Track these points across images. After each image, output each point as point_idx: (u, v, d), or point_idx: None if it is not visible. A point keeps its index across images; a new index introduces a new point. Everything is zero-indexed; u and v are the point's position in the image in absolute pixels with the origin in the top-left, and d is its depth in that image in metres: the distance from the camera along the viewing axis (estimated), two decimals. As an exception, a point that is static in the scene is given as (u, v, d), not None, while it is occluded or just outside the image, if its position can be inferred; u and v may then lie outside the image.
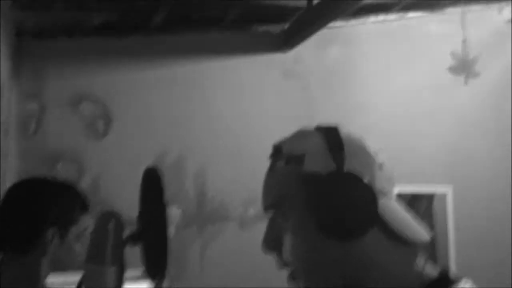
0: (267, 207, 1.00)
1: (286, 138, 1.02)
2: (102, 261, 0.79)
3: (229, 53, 3.31)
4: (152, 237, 0.84)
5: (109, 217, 0.81)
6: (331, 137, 0.97)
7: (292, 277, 0.99)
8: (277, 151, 1.00)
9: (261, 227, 3.10)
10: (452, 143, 3.28)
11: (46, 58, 3.20)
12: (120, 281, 0.80)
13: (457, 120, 3.30)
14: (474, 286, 0.94)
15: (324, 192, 0.92)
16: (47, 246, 1.55)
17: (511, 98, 3.30)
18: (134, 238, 0.84)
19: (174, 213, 3.11)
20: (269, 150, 1.02)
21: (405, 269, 0.96)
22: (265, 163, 1.00)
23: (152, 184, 0.84)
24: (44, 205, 1.57)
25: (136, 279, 1.51)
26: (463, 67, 3.34)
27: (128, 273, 0.84)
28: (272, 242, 0.99)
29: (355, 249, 0.93)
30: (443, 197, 3.21)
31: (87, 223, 1.61)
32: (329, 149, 0.95)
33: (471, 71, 3.33)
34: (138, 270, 1.52)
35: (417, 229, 0.97)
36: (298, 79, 3.18)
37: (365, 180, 0.92)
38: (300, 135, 1.01)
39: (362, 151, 0.98)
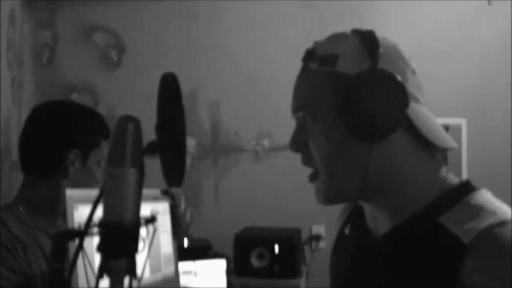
0: (297, 107, 1.01)
1: (321, 40, 1.01)
2: (122, 161, 0.79)
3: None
4: (170, 145, 0.84)
5: (128, 120, 0.81)
6: (367, 38, 0.96)
7: (313, 177, 1.01)
8: (311, 53, 0.99)
9: (275, 160, 3.14)
10: (471, 79, 3.23)
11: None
12: (140, 181, 0.81)
13: (476, 55, 3.23)
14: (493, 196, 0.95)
15: (355, 91, 0.92)
16: (68, 168, 1.58)
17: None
18: (152, 148, 0.84)
19: (189, 143, 3.14)
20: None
21: (429, 174, 0.98)
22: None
23: (169, 90, 0.83)
24: (66, 128, 1.59)
25: (154, 198, 1.54)
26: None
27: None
28: (299, 142, 1.01)
29: (382, 150, 0.94)
30: (458, 128, 3.20)
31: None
32: (364, 49, 0.95)
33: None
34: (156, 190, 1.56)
35: (445, 136, 0.98)
36: (317, 11, 3.12)
37: (399, 80, 0.92)
38: (335, 37, 1.00)
39: (397, 54, 0.98)
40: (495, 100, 3.21)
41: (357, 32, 0.98)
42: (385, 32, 1.00)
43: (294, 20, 3.18)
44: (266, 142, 3.25)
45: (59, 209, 1.59)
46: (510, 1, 3.22)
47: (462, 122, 3.21)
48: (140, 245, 0.82)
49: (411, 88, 0.95)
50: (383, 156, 0.95)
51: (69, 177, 1.60)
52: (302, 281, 2.76)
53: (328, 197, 1.00)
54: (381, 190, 0.97)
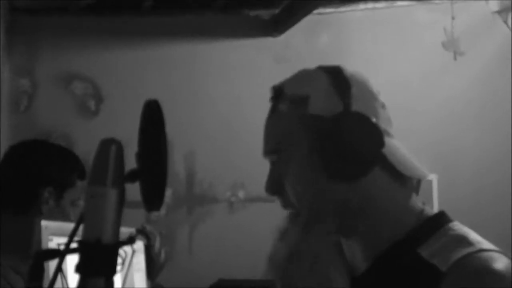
0: (269, 151, 1.01)
1: (288, 78, 1.00)
2: (104, 182, 0.80)
3: (220, 36, 3.34)
4: (151, 171, 0.85)
5: (111, 142, 0.83)
6: (336, 76, 0.97)
7: (293, 217, 1.01)
8: (279, 93, 0.98)
9: (249, 210, 3.15)
10: (439, 135, 3.33)
11: (39, 35, 3.22)
12: (120, 203, 0.82)
13: (444, 111, 3.34)
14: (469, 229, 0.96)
15: (330, 133, 0.93)
16: (42, 206, 1.58)
17: (499, 88, 3.35)
18: (133, 175, 0.85)
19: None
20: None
21: (404, 207, 0.98)
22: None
23: (153, 117, 0.85)
24: (41, 165, 1.61)
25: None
26: (452, 49, 3.38)
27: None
28: (274, 186, 1.00)
29: (358, 187, 0.95)
30: (429, 183, 3.26)
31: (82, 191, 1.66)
32: (335, 89, 0.95)
33: (459, 56, 3.38)
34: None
35: (416, 167, 0.99)
36: (288, 64, 3.21)
37: (373, 120, 0.94)
38: (303, 75, 1.00)
39: (367, 91, 0.99)
40: (464, 155, 3.30)
41: (325, 70, 0.98)
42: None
43: (268, 74, 3.26)
44: (241, 193, 3.26)
45: (32, 248, 1.57)
46: (475, 57, 3.36)
47: (433, 177, 3.28)
48: (118, 266, 0.83)
49: (382, 124, 0.96)
50: (360, 193, 0.96)
51: (42, 216, 1.59)
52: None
53: (307, 233, 1.00)
54: (359, 226, 0.98)
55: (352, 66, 1.00)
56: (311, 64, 1.04)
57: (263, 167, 1.06)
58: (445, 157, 3.29)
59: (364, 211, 0.97)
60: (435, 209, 3.07)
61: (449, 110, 3.34)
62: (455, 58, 3.33)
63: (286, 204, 1.01)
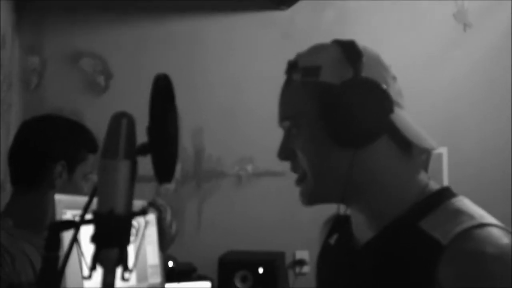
0: (283, 118, 1.05)
1: (303, 52, 1.04)
2: (115, 154, 0.82)
3: (226, 11, 3.34)
4: (162, 145, 0.87)
5: (122, 116, 0.85)
6: (348, 48, 1.00)
7: (300, 180, 1.05)
8: (293, 65, 1.02)
9: (258, 185, 3.18)
10: (448, 110, 3.32)
11: (47, 13, 3.24)
12: (133, 175, 0.85)
13: (453, 87, 3.34)
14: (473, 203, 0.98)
15: (338, 99, 0.95)
16: (55, 180, 1.61)
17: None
18: (144, 149, 0.88)
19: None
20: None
21: (409, 179, 1.01)
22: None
23: (163, 91, 0.86)
24: (53, 139, 1.63)
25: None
26: (462, 21, 3.36)
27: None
28: (286, 151, 1.04)
29: (365, 155, 0.97)
30: (439, 156, 3.28)
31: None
32: (346, 59, 0.98)
33: (468, 28, 3.36)
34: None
35: (426, 138, 1.01)
36: (293, 41, 3.21)
37: (383, 87, 0.96)
38: (317, 49, 1.03)
39: (378, 62, 1.02)
40: (473, 130, 3.31)
41: (338, 43, 1.02)
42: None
43: (273, 49, 3.26)
44: (249, 168, 3.29)
45: (46, 221, 1.61)
46: (485, 31, 3.34)
47: (443, 150, 3.29)
48: (132, 236, 0.86)
49: (393, 94, 0.98)
50: (366, 161, 0.98)
51: (55, 190, 1.62)
52: (285, 304, 2.78)
53: (311, 199, 1.04)
54: (364, 194, 1.01)
55: (358, 41, 1.03)
56: (317, 40, 1.06)
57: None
58: (454, 132, 3.30)
59: (368, 178, 0.99)
60: (445, 181, 3.11)
61: (458, 86, 3.33)
62: (464, 30, 3.31)
63: (296, 169, 1.05)
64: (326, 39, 1.06)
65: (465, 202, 0.97)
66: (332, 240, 1.16)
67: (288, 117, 1.04)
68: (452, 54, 3.36)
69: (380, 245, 0.99)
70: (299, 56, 1.04)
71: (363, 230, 1.04)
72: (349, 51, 0.99)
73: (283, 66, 1.06)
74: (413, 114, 3.16)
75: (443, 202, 0.97)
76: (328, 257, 1.17)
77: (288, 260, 3.16)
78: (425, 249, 0.90)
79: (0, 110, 2.62)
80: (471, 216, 0.92)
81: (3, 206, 1.71)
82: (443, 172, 3.26)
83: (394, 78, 1.02)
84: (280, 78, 1.09)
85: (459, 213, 0.93)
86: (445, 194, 0.99)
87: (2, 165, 2.57)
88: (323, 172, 1.00)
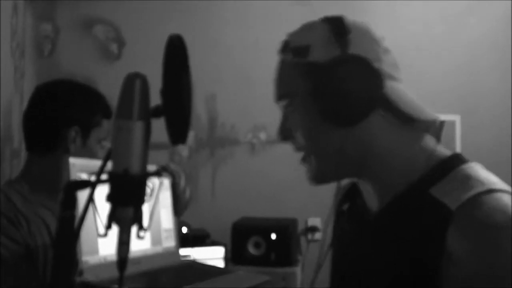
0: (278, 97, 1.06)
1: (293, 31, 1.04)
2: (130, 115, 0.83)
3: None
4: (175, 106, 0.87)
5: (135, 77, 0.85)
6: (336, 25, 0.99)
7: (304, 159, 1.06)
8: (285, 46, 1.03)
9: (271, 152, 3.18)
10: (461, 77, 3.29)
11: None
12: (147, 135, 0.85)
13: (467, 54, 3.29)
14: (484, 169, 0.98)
15: (326, 78, 0.95)
16: (69, 145, 1.62)
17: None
18: (158, 111, 0.88)
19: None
20: None
21: (412, 147, 1.00)
22: (274, 92, 1.05)
23: (176, 52, 0.86)
24: (67, 104, 1.63)
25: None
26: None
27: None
28: (284, 131, 1.06)
29: (360, 131, 0.98)
30: (452, 124, 3.25)
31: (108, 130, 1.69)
32: (334, 37, 0.98)
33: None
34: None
35: (423, 110, 1.01)
36: (311, 7, 3.18)
37: (371, 63, 0.95)
38: (306, 28, 1.03)
39: (367, 36, 1.00)
40: (487, 97, 3.28)
41: (326, 20, 1.01)
42: (375, 30, 1.03)
43: (288, 17, 3.23)
44: (262, 135, 3.30)
45: (61, 185, 1.63)
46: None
47: (456, 118, 3.26)
48: (146, 196, 0.87)
49: (385, 67, 0.97)
50: (362, 136, 0.98)
51: (69, 155, 1.63)
52: (298, 270, 2.80)
53: (316, 178, 1.05)
54: (367, 168, 1.01)
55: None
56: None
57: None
58: (468, 99, 3.27)
59: (367, 157, 1.00)
60: (458, 149, 3.09)
61: (472, 53, 3.29)
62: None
63: (299, 149, 1.06)
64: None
65: (476, 168, 0.96)
66: (345, 208, 1.17)
67: (282, 97, 1.05)
68: (467, 21, 3.31)
69: (391, 213, 1.00)
70: (290, 35, 1.04)
71: (373, 200, 1.04)
72: (336, 28, 0.98)
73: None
74: (426, 81, 3.16)
75: (454, 168, 0.96)
76: (341, 225, 1.18)
77: (301, 226, 3.18)
78: (435, 216, 0.90)
79: (14, 78, 2.63)
80: (481, 182, 0.91)
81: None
82: (456, 139, 3.24)
83: (386, 51, 1.00)
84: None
85: (469, 179, 0.92)
86: (456, 160, 0.99)
87: (17, 133, 2.59)
88: (322, 151, 1.01)
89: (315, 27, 1.01)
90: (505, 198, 0.89)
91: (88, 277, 1.26)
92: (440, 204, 0.91)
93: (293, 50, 1.01)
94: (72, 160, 1.33)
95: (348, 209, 1.16)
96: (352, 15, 1.03)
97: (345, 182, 1.22)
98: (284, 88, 1.04)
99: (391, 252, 0.97)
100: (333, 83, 0.94)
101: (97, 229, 0.86)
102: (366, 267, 1.02)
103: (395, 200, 0.99)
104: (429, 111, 1.02)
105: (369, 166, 1.01)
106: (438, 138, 1.06)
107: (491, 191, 0.89)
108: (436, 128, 1.05)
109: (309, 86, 0.97)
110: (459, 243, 0.86)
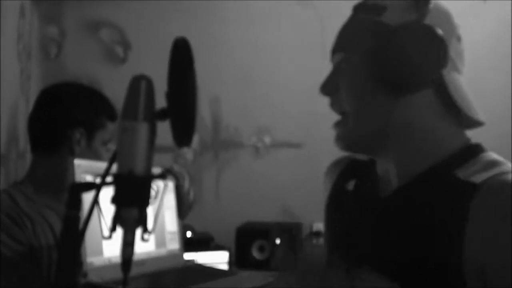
0: (335, 49, 1.03)
1: None
2: (135, 116, 0.83)
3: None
4: (180, 109, 0.87)
5: (141, 78, 0.86)
6: None
7: (338, 123, 1.03)
8: (361, 4, 1.01)
9: (275, 156, 3.17)
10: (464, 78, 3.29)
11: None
12: (152, 136, 0.85)
13: (469, 55, 3.27)
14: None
15: (395, 41, 0.92)
16: (74, 146, 1.63)
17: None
18: (163, 113, 0.88)
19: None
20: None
21: (452, 137, 0.98)
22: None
23: (181, 54, 0.86)
24: (70, 106, 1.65)
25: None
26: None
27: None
28: (331, 86, 1.03)
29: (409, 104, 0.95)
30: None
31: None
32: (414, 4, 0.95)
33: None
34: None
35: (476, 109, 0.99)
36: (312, 9, 3.18)
37: (444, 39, 0.91)
38: None
39: (446, 17, 0.98)
40: (488, 97, 3.26)
41: None
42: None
43: (291, 18, 3.23)
44: (267, 139, 3.30)
45: (65, 187, 1.63)
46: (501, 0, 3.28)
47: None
48: (151, 198, 0.87)
49: (452, 53, 0.96)
50: (406, 113, 0.96)
51: (74, 156, 1.64)
52: (301, 274, 2.80)
53: (349, 144, 1.03)
54: (397, 143, 0.99)
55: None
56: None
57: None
58: (473, 99, 3.26)
59: (401, 134, 0.97)
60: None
61: (473, 54, 3.25)
62: (484, 2, 3.25)
63: (335, 106, 1.03)
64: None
65: (497, 156, 0.97)
66: (350, 186, 1.13)
67: (340, 49, 1.02)
68: (470, 22, 3.30)
69: (412, 191, 0.97)
70: None
71: (392, 180, 1.02)
72: None
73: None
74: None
75: (479, 153, 0.96)
76: (347, 204, 1.13)
77: (305, 231, 3.17)
78: (458, 192, 0.89)
79: (20, 80, 2.64)
80: (505, 164, 0.92)
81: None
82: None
83: (458, 38, 0.99)
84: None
85: (494, 162, 0.93)
86: (480, 147, 0.99)
87: (23, 135, 2.60)
88: (366, 115, 0.99)
89: None
90: None
91: (93, 278, 1.27)
92: (465, 182, 0.90)
93: (368, 7, 0.98)
94: (77, 162, 1.34)
95: (355, 187, 1.12)
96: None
97: (340, 157, 1.19)
98: (346, 42, 1.01)
99: (411, 228, 0.94)
100: (398, 47, 0.92)
101: (101, 231, 0.86)
102: (374, 249, 0.99)
103: (418, 179, 0.97)
104: (480, 112, 1.00)
105: (400, 142, 0.99)
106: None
107: None
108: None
109: (373, 46, 0.95)
110: (481, 212, 0.85)
